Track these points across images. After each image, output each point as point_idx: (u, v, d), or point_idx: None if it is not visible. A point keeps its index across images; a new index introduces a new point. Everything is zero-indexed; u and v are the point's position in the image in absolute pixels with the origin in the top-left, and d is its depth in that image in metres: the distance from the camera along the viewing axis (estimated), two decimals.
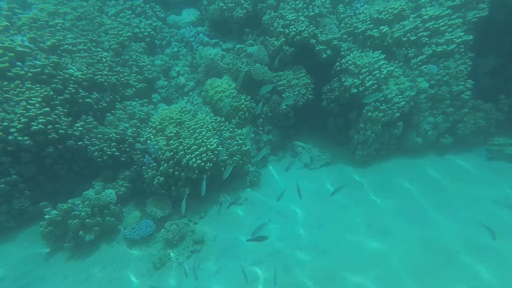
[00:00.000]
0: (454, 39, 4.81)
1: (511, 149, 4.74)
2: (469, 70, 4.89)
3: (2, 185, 4.02)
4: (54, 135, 4.19)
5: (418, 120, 5.21)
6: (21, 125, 3.90)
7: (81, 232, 4.02)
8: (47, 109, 4.13)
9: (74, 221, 4.00)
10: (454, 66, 4.86)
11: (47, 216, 3.97)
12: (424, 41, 4.98)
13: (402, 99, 5.02)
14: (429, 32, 4.96)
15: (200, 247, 4.28)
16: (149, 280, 3.90)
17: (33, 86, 4.17)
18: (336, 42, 5.43)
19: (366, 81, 5.04)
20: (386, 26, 5.15)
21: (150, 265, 4.06)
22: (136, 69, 5.48)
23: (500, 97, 4.97)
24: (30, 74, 4.25)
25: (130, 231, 4.32)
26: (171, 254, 4.19)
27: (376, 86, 5.05)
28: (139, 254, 4.20)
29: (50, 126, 4.14)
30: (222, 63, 5.84)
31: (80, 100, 4.57)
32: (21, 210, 4.19)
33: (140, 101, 5.30)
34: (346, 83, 5.22)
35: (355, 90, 5.13)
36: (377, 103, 5.05)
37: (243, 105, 5.56)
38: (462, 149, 5.21)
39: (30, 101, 4.04)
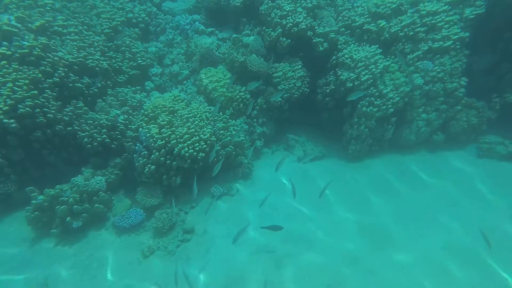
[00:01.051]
0: (451, 36, 4.81)
1: (501, 147, 4.80)
2: (464, 67, 4.91)
3: None
4: (42, 119, 4.07)
5: (412, 117, 5.23)
6: (7, 107, 3.78)
7: (68, 218, 3.96)
8: (35, 92, 4.01)
9: (62, 207, 3.93)
10: (449, 63, 4.87)
11: (33, 201, 3.89)
12: (420, 36, 4.97)
13: (396, 95, 5.02)
14: (426, 27, 4.95)
15: (190, 237, 4.27)
16: (138, 267, 3.88)
17: (21, 68, 4.03)
18: (333, 35, 5.38)
19: (361, 76, 5.02)
20: (384, 20, 5.12)
21: (139, 253, 4.03)
22: (129, 55, 5.35)
23: (492, 96, 5.01)
24: (17, 55, 4.10)
25: (119, 218, 4.27)
26: (160, 242, 4.16)
27: (371, 81, 5.04)
28: (128, 241, 4.16)
29: (38, 110, 4.02)
30: (217, 52, 5.75)
31: (70, 85, 4.45)
32: (6, 194, 4.09)
33: (133, 88, 5.19)
34: (342, 77, 5.19)
35: (351, 84, 5.11)
36: (371, 98, 5.05)
37: (238, 96, 5.49)
38: (454, 147, 5.27)
39: (17, 83, 3.91)
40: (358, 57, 5.07)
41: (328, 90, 5.56)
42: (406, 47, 5.04)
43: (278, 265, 3.82)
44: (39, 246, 3.95)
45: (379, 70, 5.00)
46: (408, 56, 5.04)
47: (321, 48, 5.46)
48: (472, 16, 4.85)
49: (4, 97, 3.78)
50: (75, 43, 4.74)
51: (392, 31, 5.05)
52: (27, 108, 3.91)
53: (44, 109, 4.10)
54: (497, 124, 5.08)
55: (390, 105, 5.03)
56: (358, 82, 5.06)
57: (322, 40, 5.42)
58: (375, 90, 5.05)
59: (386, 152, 5.48)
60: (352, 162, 5.43)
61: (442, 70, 4.89)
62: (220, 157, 4.53)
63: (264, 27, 5.69)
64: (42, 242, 3.99)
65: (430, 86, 5.01)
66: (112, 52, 5.11)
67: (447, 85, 4.97)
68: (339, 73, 5.29)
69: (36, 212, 3.88)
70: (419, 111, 5.16)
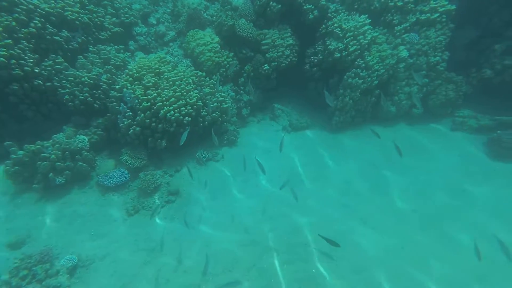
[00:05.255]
0: (438, 8, 4.86)
1: (472, 121, 5.07)
2: (448, 41, 5.01)
3: None
4: (19, 71, 3.88)
5: (395, 90, 5.38)
6: None
7: (51, 174, 3.93)
8: (9, 41, 3.78)
9: (44, 162, 3.89)
10: (434, 36, 4.96)
11: (13, 156, 3.81)
12: (410, 7, 4.99)
13: (382, 67, 5.11)
14: None
15: (174, 198, 4.36)
16: (122, 225, 3.97)
17: None
18: (324, 3, 5.30)
19: (350, 46, 5.05)
20: None
21: (123, 211, 4.10)
22: (112, 10, 5.06)
23: (471, 71, 5.20)
24: None
25: (103, 177, 4.29)
26: (145, 202, 4.24)
27: (359, 51, 5.09)
28: (113, 200, 4.21)
29: (13, 61, 3.82)
30: (205, 14, 5.55)
31: (48, 37, 4.21)
32: None
33: (116, 46, 4.99)
34: (330, 47, 5.20)
35: (339, 55, 5.15)
36: (358, 70, 5.13)
37: (225, 62, 5.42)
38: (430, 120, 5.51)
39: None
40: (347, 26, 5.06)
41: (316, 60, 5.57)
42: (395, 18, 5.06)
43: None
44: (21, 200, 3.93)
45: (367, 41, 5.04)
46: (395, 27, 5.08)
47: (311, 16, 5.39)
48: None
49: None
50: None
51: (382, 0, 5.03)
52: (1, 58, 3.70)
53: (20, 61, 3.89)
54: (473, 98, 5.33)
55: (375, 77, 5.14)
56: (346, 52, 5.10)
57: (313, 7, 5.34)
58: (362, 61, 5.11)
59: (368, 123, 5.66)
60: (334, 133, 5.58)
61: (427, 43, 4.99)
62: (187, 127, 4.40)
63: None
64: (24, 196, 3.97)
65: (415, 59, 5.13)
66: (92, 6, 4.81)
67: (430, 58, 5.10)
68: (327, 43, 5.28)
69: (16, 167, 3.82)
70: (402, 84, 5.31)
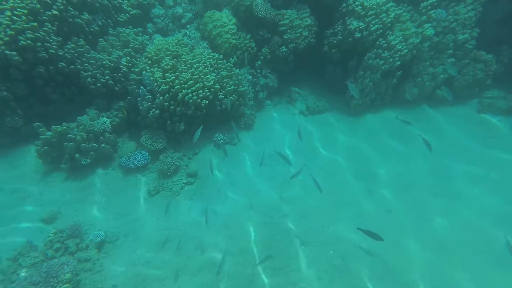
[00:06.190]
0: None
1: (502, 102, 4.81)
2: (478, 17, 4.71)
3: None
4: (44, 54, 3.98)
5: (418, 70, 5.16)
6: (7, 38, 3.67)
7: (77, 155, 4.07)
8: (35, 23, 3.86)
9: (70, 143, 4.03)
10: (464, 11, 4.67)
11: (42, 136, 3.96)
12: None
13: (405, 47, 4.90)
14: None
15: (193, 180, 4.44)
16: (144, 205, 4.09)
17: None
18: None
19: (371, 25, 4.86)
20: None
21: (145, 192, 4.22)
22: None
23: (502, 48, 4.88)
24: None
25: (125, 159, 4.40)
26: (165, 184, 4.33)
27: (381, 31, 4.88)
28: (134, 181, 4.33)
29: (39, 44, 3.91)
30: None
31: (70, 20, 4.27)
32: (14, 128, 4.14)
33: (134, 29, 5.00)
34: (350, 26, 5.01)
35: (359, 35, 4.96)
36: (379, 50, 4.94)
37: (242, 44, 5.35)
38: (455, 101, 5.25)
39: (15, 12, 3.75)
40: (369, 4, 4.84)
41: (335, 41, 5.39)
42: None
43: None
44: (51, 178, 4.12)
45: (390, 20, 4.82)
46: (421, 4, 4.82)
47: None
48: None
49: (4, 26, 3.64)
50: None
51: None
52: (28, 41, 3.79)
53: (45, 43, 3.98)
54: (503, 78, 5.02)
55: (398, 58, 4.94)
56: (367, 32, 4.91)
57: None
58: (384, 41, 4.91)
59: (387, 106, 5.50)
60: (352, 116, 5.46)
61: (455, 20, 4.70)
62: (200, 125, 4.34)
63: None
64: (53, 175, 4.15)
65: (441, 38, 4.87)
66: None
67: (458, 36, 4.82)
68: (348, 22, 5.08)
69: (46, 147, 3.97)
70: (426, 65, 5.08)
